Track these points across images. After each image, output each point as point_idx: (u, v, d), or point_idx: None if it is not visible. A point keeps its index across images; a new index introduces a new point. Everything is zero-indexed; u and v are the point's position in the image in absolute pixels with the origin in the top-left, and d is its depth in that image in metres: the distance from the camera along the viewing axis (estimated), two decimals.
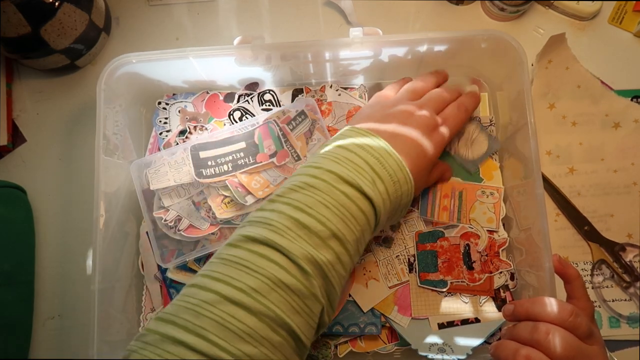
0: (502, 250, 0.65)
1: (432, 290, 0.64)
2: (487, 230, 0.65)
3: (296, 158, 0.66)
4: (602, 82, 0.72)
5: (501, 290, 0.64)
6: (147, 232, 0.67)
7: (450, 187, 0.66)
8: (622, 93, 0.72)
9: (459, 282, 0.64)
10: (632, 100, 0.72)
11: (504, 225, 0.66)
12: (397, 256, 0.65)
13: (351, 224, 0.48)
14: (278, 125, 0.67)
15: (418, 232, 0.66)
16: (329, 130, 0.68)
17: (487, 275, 0.63)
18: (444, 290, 0.64)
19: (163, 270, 0.67)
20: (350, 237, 0.48)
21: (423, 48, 0.65)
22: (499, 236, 0.65)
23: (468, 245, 0.65)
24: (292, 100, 0.72)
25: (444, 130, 0.59)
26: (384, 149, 0.53)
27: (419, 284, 0.64)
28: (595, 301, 0.67)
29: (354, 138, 0.54)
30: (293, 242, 0.45)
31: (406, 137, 0.55)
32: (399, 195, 0.53)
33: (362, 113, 0.62)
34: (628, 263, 0.66)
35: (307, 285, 0.45)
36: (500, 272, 0.64)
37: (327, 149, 0.53)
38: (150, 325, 0.43)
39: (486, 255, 0.64)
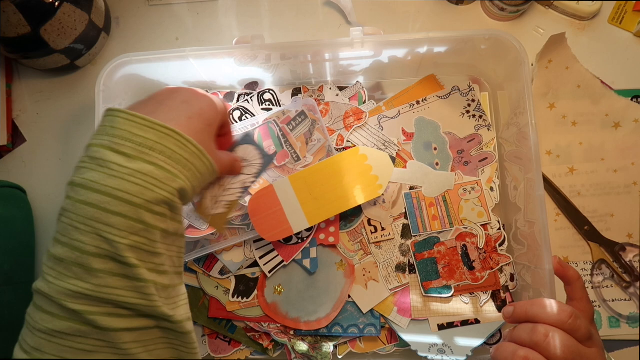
0: (500, 244, 0.65)
1: (439, 297, 0.64)
2: (481, 225, 0.66)
3: (296, 159, 0.66)
4: (602, 82, 0.72)
5: (501, 291, 0.64)
6: None
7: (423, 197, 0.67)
8: (622, 93, 0.72)
9: (462, 284, 0.64)
10: (632, 100, 0.72)
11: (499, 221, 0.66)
12: (396, 265, 0.65)
13: (112, 234, 0.40)
14: (278, 126, 0.67)
15: (414, 242, 0.66)
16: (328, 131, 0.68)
17: (488, 271, 0.64)
18: (449, 295, 0.64)
19: None
20: (120, 248, 0.40)
21: (424, 48, 0.65)
22: (492, 228, 0.66)
23: (465, 246, 0.65)
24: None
25: (213, 99, 0.52)
26: (125, 119, 0.43)
27: (424, 294, 0.64)
28: (595, 301, 0.67)
29: (99, 126, 0.45)
30: (53, 283, 0.40)
31: (167, 105, 0.47)
32: (172, 157, 0.44)
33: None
34: (628, 263, 0.66)
35: (83, 322, 0.40)
36: (501, 267, 0.64)
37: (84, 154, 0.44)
38: None
39: (484, 252, 0.64)
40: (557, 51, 0.71)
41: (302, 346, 0.64)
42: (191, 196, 0.46)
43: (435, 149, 0.68)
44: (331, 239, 0.66)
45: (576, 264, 0.68)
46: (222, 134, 0.57)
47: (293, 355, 0.64)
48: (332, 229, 0.66)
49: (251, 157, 0.63)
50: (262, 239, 0.66)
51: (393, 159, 0.67)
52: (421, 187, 0.67)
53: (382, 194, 0.65)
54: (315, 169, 0.64)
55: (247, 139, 0.63)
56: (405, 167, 0.68)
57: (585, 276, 0.68)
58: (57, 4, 0.66)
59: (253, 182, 0.62)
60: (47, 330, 0.40)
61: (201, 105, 0.49)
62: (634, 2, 0.75)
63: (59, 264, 0.40)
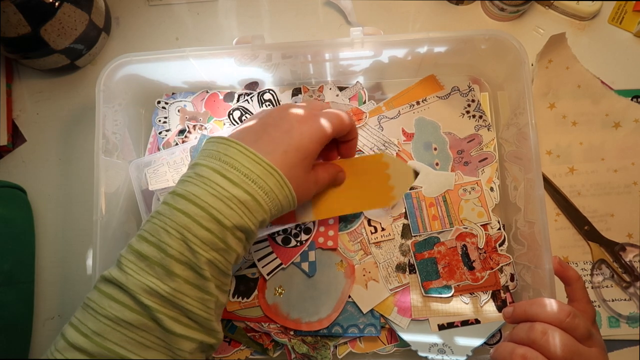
0: (500, 244, 0.65)
1: (439, 297, 0.64)
2: (481, 225, 0.65)
3: None
4: (602, 82, 0.72)
5: (501, 291, 0.64)
6: None
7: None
8: (622, 93, 0.72)
9: (462, 284, 0.64)
10: (632, 100, 0.71)
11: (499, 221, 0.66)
12: (397, 265, 0.65)
13: (197, 245, 0.44)
14: None
15: (414, 242, 0.66)
16: None
17: (488, 271, 0.64)
18: (450, 295, 0.64)
19: None
20: (200, 259, 0.44)
21: (424, 48, 0.65)
22: (492, 228, 0.66)
23: (465, 246, 0.65)
24: (292, 100, 0.72)
25: (322, 119, 0.52)
26: (238, 152, 0.48)
27: (424, 294, 0.64)
28: (595, 301, 0.67)
29: (208, 149, 0.49)
30: (132, 276, 0.43)
31: (270, 137, 0.50)
32: (268, 194, 0.48)
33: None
34: (628, 263, 0.66)
35: (152, 318, 0.43)
36: (501, 267, 0.64)
37: (188, 169, 0.49)
38: None
39: (484, 252, 0.64)
40: (557, 51, 0.71)
41: (302, 346, 0.64)
42: (264, 226, 0.50)
43: (435, 149, 0.68)
44: (330, 243, 0.66)
45: (576, 264, 0.68)
46: (347, 140, 0.59)
47: (293, 355, 0.64)
48: (331, 233, 0.66)
49: None
50: (260, 241, 0.66)
51: (416, 174, 0.65)
52: (421, 187, 0.67)
53: (392, 207, 0.64)
54: None
55: (205, 139, 0.64)
56: None
57: (585, 276, 0.68)
58: (57, 4, 0.66)
59: None
60: (115, 318, 0.42)
61: (301, 137, 0.50)
62: (634, 2, 0.75)
63: (142, 261, 0.44)
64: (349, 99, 0.71)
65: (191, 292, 0.44)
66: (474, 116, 0.69)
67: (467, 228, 0.65)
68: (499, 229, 0.66)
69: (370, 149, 0.68)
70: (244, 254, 0.49)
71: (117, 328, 0.42)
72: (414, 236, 0.66)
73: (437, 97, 0.70)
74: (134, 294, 0.43)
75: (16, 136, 0.77)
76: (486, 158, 0.68)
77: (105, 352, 0.42)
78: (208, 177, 0.46)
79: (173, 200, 0.45)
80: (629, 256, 0.67)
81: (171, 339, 0.44)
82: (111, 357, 0.42)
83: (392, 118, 0.70)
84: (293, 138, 0.50)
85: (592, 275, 0.68)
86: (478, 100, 0.69)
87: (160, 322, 0.43)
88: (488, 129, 0.68)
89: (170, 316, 0.44)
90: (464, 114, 0.69)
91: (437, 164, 0.68)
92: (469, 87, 0.70)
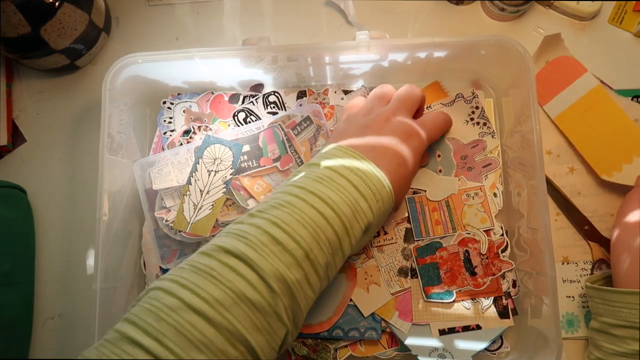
0: (502, 251, 0.65)
1: (440, 302, 0.64)
2: (484, 231, 0.65)
3: (300, 163, 0.66)
4: (602, 82, 0.72)
5: (503, 298, 0.64)
6: (148, 232, 0.67)
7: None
8: (622, 93, 0.72)
9: (464, 289, 0.64)
10: (632, 100, 0.72)
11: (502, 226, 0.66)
12: (399, 269, 0.65)
13: (325, 246, 0.47)
14: (283, 130, 0.67)
15: (416, 247, 0.66)
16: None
17: (490, 277, 0.63)
18: (451, 300, 0.64)
19: (164, 271, 0.67)
20: (322, 259, 0.47)
21: (429, 53, 0.64)
22: (495, 234, 0.66)
23: (467, 251, 0.64)
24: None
25: (423, 134, 0.59)
26: (367, 167, 0.53)
27: (425, 299, 0.64)
28: None
29: (338, 157, 0.54)
30: (265, 258, 0.44)
31: (385, 149, 0.56)
32: (381, 210, 0.53)
33: (338, 129, 0.61)
34: None
35: (272, 304, 0.44)
36: (503, 273, 0.64)
37: (312, 168, 0.53)
38: (116, 325, 0.43)
39: (487, 258, 0.64)
40: (556, 51, 0.71)
41: (302, 349, 0.64)
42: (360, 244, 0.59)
43: (439, 156, 0.68)
44: None
45: (576, 263, 0.68)
46: None
47: (293, 358, 0.64)
48: None
49: (220, 154, 0.65)
50: None
51: None
52: (425, 191, 0.67)
53: None
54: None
55: (209, 140, 0.65)
56: None
57: (585, 276, 0.68)
58: (57, 4, 0.66)
59: (232, 173, 0.64)
60: (240, 293, 0.43)
61: (408, 153, 0.57)
62: (634, 2, 0.75)
63: (276, 245, 0.46)
64: None
65: (305, 287, 0.46)
66: (478, 123, 0.69)
67: (469, 233, 0.65)
68: (502, 235, 0.66)
69: None
70: None
71: (240, 304, 0.43)
72: (417, 240, 0.66)
73: (441, 104, 0.70)
74: (265, 276, 0.44)
75: (16, 136, 0.77)
76: (490, 164, 0.67)
77: (225, 322, 0.42)
78: (343, 185, 0.50)
79: (308, 197, 0.48)
80: None
81: (278, 326, 0.45)
82: (230, 329, 0.42)
83: None
84: (403, 156, 0.56)
85: (592, 275, 0.68)
86: (482, 107, 0.69)
87: (278, 310, 0.44)
88: (492, 136, 0.68)
89: (287, 305, 0.45)
90: (468, 121, 0.69)
91: (440, 171, 0.68)
92: (473, 94, 0.69)
